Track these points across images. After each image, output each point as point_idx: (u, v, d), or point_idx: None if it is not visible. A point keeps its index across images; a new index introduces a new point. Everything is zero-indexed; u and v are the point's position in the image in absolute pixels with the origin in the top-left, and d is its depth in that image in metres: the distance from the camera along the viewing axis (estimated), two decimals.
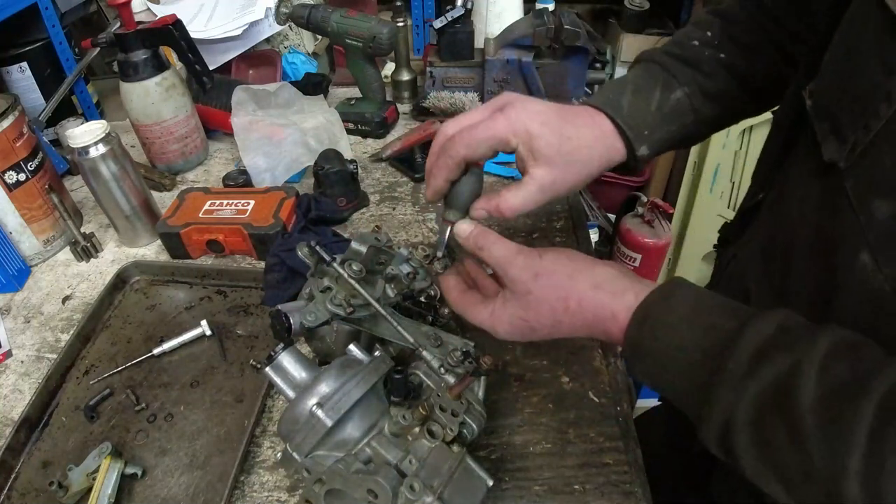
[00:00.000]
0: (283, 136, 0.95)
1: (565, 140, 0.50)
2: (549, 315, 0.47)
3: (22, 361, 0.72)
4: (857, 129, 0.37)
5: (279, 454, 0.47)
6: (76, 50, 1.20)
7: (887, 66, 0.35)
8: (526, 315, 0.48)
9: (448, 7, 1.08)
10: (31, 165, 0.82)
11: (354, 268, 0.52)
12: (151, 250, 0.88)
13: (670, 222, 1.49)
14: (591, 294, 0.45)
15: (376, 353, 0.52)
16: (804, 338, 0.36)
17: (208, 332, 0.72)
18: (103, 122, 0.81)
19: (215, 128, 1.11)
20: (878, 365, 0.33)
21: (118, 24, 0.97)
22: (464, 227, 0.52)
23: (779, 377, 0.35)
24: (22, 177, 0.81)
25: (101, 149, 0.79)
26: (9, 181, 0.79)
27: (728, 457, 0.38)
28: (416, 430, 0.47)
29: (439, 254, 0.55)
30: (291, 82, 1.10)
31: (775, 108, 0.57)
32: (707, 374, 0.38)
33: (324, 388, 0.47)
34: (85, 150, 0.79)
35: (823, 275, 0.42)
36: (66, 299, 0.81)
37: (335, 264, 0.52)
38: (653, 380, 0.43)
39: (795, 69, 0.50)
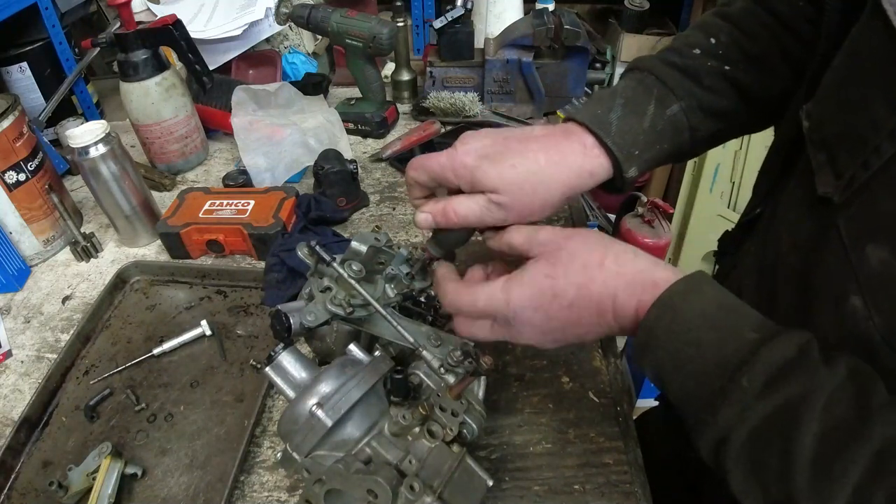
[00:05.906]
0: (283, 136, 0.95)
1: (508, 168, 0.46)
2: (580, 271, 0.42)
3: (22, 361, 0.72)
4: (855, 165, 0.35)
5: (279, 454, 0.47)
6: (76, 50, 1.20)
7: (892, 101, 0.33)
8: (554, 271, 0.43)
9: (448, 7, 1.08)
10: (31, 165, 0.82)
11: (354, 268, 0.52)
12: (151, 250, 0.88)
13: (670, 222, 1.50)
14: (630, 256, 0.43)
15: (376, 353, 0.52)
16: (821, 366, 0.34)
17: (208, 332, 0.72)
18: (103, 122, 0.81)
19: (215, 128, 1.11)
20: (886, 406, 0.32)
21: (118, 24, 0.97)
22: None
23: (789, 403, 0.33)
24: (22, 177, 0.81)
25: (101, 149, 0.79)
26: (9, 181, 0.79)
27: (717, 466, 0.37)
28: (416, 430, 0.47)
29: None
30: (291, 82, 1.10)
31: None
32: (719, 382, 0.36)
33: (324, 388, 0.47)
34: (85, 150, 0.79)
35: (803, 311, 0.41)
36: (66, 299, 0.81)
37: (335, 264, 0.52)
38: (660, 373, 0.40)
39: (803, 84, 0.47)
